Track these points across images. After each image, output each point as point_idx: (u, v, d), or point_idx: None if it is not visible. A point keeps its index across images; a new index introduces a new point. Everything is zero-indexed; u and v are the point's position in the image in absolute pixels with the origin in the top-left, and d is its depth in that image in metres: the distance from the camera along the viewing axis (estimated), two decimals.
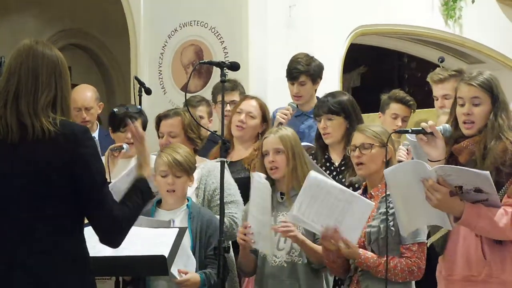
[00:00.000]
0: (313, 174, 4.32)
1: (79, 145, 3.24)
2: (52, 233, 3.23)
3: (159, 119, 5.33)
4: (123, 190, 4.78)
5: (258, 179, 4.51)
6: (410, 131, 4.04)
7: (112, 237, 3.34)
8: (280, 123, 5.79)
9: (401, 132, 4.11)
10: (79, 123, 3.38)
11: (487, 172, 3.72)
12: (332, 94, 5.41)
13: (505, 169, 3.86)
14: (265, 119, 5.58)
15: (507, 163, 3.87)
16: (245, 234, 4.53)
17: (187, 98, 4.84)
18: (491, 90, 3.97)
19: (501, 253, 3.91)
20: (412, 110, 5.84)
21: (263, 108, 5.57)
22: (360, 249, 4.33)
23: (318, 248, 4.53)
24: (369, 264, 4.32)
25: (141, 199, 3.40)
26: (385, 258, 4.25)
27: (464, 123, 3.99)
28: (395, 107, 5.76)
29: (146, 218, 4.47)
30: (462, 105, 4.00)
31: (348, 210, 4.26)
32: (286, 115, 5.85)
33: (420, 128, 3.94)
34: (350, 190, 4.38)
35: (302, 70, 6.06)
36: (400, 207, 3.88)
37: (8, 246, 3.22)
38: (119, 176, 5.00)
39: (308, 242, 4.54)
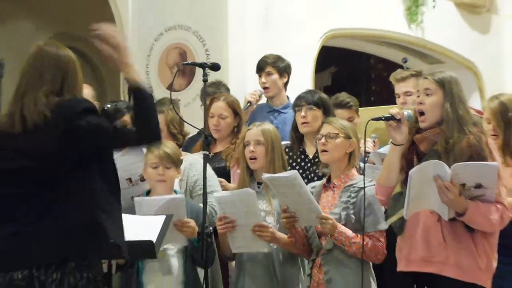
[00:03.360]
0: (297, 176, 4.34)
1: (75, 118, 3.28)
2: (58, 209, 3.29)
3: None
4: (118, 168, 4.86)
5: (239, 192, 4.55)
6: (383, 118, 4.11)
7: (152, 141, 3.46)
8: (249, 102, 5.99)
9: (376, 119, 4.22)
10: (74, 99, 3.38)
11: (496, 163, 3.86)
12: (314, 91, 5.52)
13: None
14: (236, 113, 5.57)
15: (474, 157, 3.93)
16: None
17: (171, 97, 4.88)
18: (443, 84, 4.06)
19: (459, 238, 3.97)
20: (354, 109, 5.75)
21: (231, 105, 5.55)
22: (338, 223, 4.37)
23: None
24: (344, 238, 4.35)
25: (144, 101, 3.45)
26: (359, 236, 4.32)
27: (419, 113, 4.06)
28: (337, 112, 5.67)
29: (158, 198, 4.54)
30: (418, 97, 4.12)
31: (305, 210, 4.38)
32: (254, 95, 6.04)
33: (390, 115, 4.05)
34: (317, 205, 4.40)
35: (268, 62, 6.18)
36: (412, 196, 3.90)
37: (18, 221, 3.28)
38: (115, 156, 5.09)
39: (283, 239, 4.57)
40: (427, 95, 4.08)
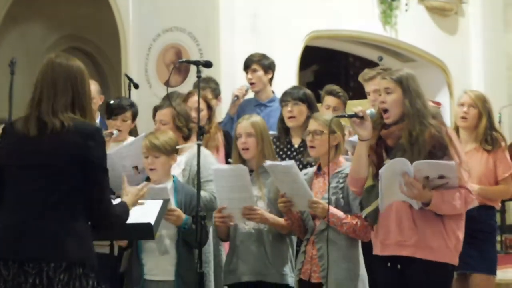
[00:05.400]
0: (294, 165, 4.34)
1: (89, 139, 3.25)
2: (62, 212, 3.22)
3: (155, 110, 5.30)
4: (125, 156, 4.77)
5: (234, 167, 4.52)
6: (346, 115, 4.09)
7: (102, 228, 3.38)
8: (236, 96, 6.11)
9: (339, 116, 4.21)
10: (92, 124, 3.36)
11: (453, 162, 3.85)
12: (299, 87, 5.50)
13: (437, 152, 3.91)
14: (209, 106, 5.57)
15: (437, 146, 3.91)
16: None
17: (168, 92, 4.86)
18: (400, 81, 4.01)
19: (429, 223, 3.95)
20: (342, 101, 5.70)
21: (204, 98, 5.53)
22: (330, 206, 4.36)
23: (281, 220, 4.56)
24: (336, 220, 4.33)
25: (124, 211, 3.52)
26: (349, 216, 4.32)
27: (383, 111, 4.04)
28: (327, 99, 5.63)
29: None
30: (380, 95, 4.08)
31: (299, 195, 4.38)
32: (241, 90, 6.12)
33: (354, 113, 4.01)
34: (310, 191, 4.40)
35: (254, 60, 6.18)
36: (384, 190, 3.90)
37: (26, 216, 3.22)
38: (122, 145, 5.02)
39: (272, 219, 4.54)
40: (388, 93, 4.02)
